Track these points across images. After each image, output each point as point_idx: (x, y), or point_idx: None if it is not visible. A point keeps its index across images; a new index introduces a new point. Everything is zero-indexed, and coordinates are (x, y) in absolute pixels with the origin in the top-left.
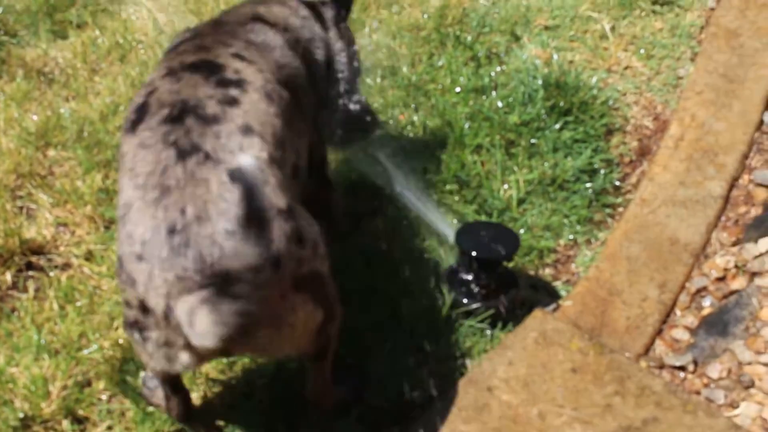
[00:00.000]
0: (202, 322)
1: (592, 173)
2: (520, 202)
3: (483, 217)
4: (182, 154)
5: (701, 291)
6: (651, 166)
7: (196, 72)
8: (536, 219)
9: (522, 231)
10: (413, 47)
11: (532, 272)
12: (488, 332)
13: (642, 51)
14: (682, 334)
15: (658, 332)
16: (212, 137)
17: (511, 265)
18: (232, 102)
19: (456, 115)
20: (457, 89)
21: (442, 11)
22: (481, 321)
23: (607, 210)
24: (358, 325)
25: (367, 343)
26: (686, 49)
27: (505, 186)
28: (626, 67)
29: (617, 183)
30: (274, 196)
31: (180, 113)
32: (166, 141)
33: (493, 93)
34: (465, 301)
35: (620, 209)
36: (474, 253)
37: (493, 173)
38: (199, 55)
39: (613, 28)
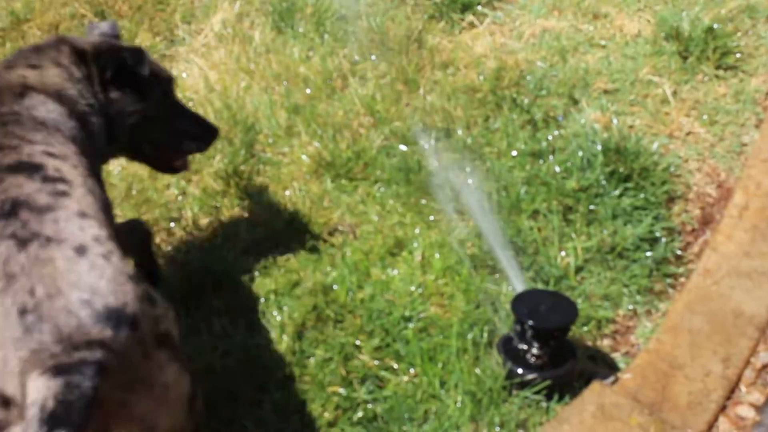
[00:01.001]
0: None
1: (653, 242)
2: (578, 270)
3: (540, 285)
4: (23, 243)
5: (767, 367)
6: (714, 236)
7: (17, 173)
8: (594, 288)
9: (580, 300)
10: (468, 109)
11: (589, 343)
12: (544, 404)
13: (705, 117)
14: (747, 412)
15: (722, 409)
16: (51, 223)
17: (568, 335)
18: (63, 194)
19: (512, 179)
20: (514, 153)
21: (498, 73)
22: (537, 392)
23: (669, 280)
24: (410, 394)
25: (419, 413)
26: (751, 115)
27: (563, 253)
28: (688, 133)
29: (679, 252)
30: (123, 264)
31: (12, 208)
32: (3, 235)
33: (551, 157)
34: (520, 371)
35: (682, 279)
36: (530, 322)
37: (550, 240)
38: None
39: (674, 93)
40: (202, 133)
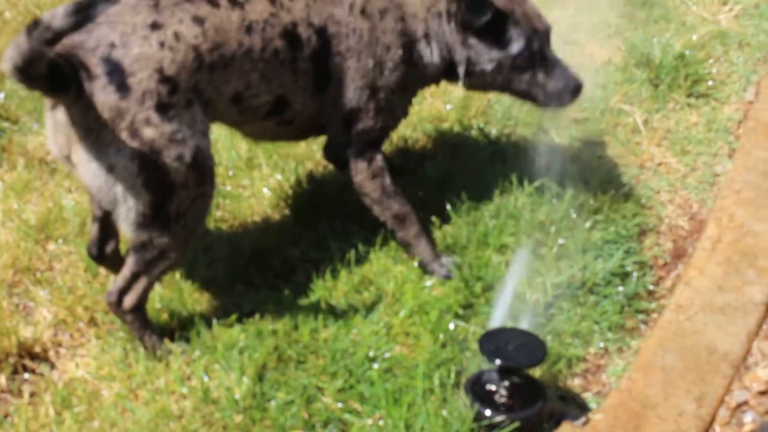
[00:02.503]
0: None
1: (624, 276)
2: (548, 306)
3: (508, 323)
4: None
5: (742, 405)
6: (687, 270)
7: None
8: (564, 325)
9: (549, 338)
10: (435, 139)
11: (560, 382)
12: None
13: (676, 146)
14: None
15: None
16: None
17: (537, 374)
18: None
19: (480, 211)
20: (479, 184)
21: (464, 102)
22: None
23: (641, 316)
24: None
25: None
26: (723, 144)
27: (531, 289)
28: (660, 164)
29: (651, 287)
30: None
31: None
32: None
33: (519, 189)
34: (488, 413)
35: (654, 315)
36: (498, 362)
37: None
38: None
39: (645, 122)
40: (563, 90)
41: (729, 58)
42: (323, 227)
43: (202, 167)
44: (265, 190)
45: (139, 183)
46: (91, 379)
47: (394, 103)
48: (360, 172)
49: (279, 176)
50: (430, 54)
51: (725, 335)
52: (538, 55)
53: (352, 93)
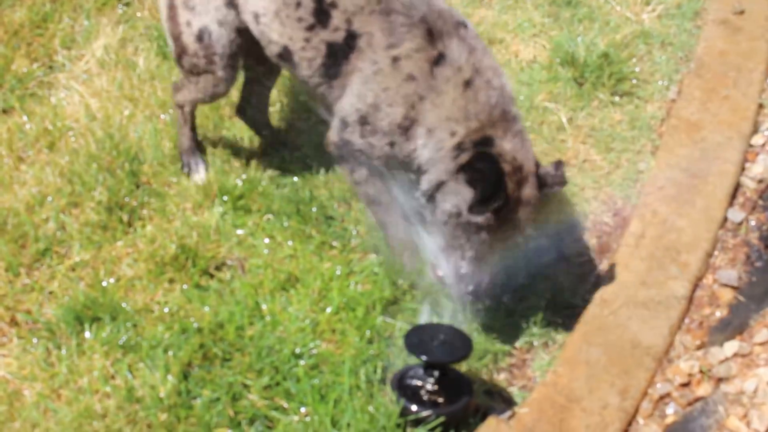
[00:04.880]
0: None
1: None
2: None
3: (434, 318)
4: None
5: (665, 398)
6: (611, 265)
7: None
8: (490, 321)
9: (476, 333)
10: None
11: (486, 377)
12: None
13: (601, 144)
14: None
15: None
16: None
17: (463, 369)
18: None
19: None
20: None
21: None
22: (432, 430)
23: (565, 311)
24: None
25: None
26: (647, 141)
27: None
28: (584, 161)
29: (576, 283)
30: None
31: None
32: None
33: None
34: (414, 408)
35: (579, 311)
36: (423, 357)
37: None
38: None
39: (570, 120)
40: (464, 277)
41: (652, 57)
42: (250, 225)
43: (207, 46)
44: (191, 186)
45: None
46: (12, 379)
47: (374, 144)
48: (345, 175)
49: (204, 173)
50: (419, 147)
51: (648, 329)
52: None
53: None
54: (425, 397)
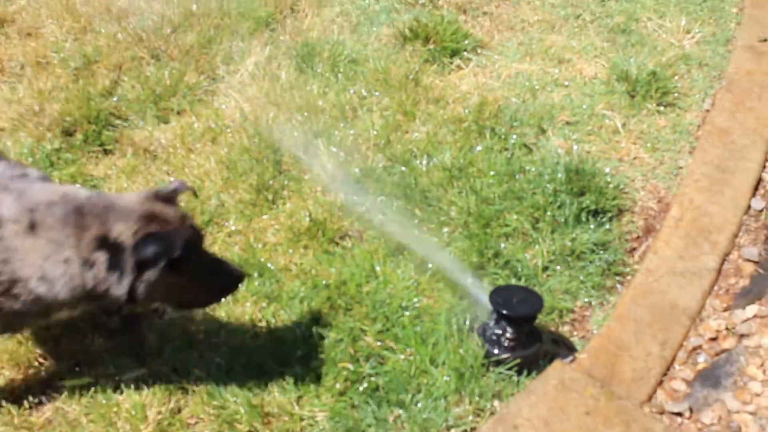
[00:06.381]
0: None
1: (605, 246)
2: (544, 269)
3: (513, 281)
4: None
5: (696, 349)
6: (655, 242)
7: None
8: (557, 284)
9: (545, 294)
10: (455, 137)
11: (553, 329)
12: (515, 379)
13: (648, 144)
14: (680, 385)
15: (660, 383)
16: None
17: (536, 322)
18: None
19: (491, 194)
20: (492, 173)
21: (480, 107)
22: (510, 369)
23: (617, 278)
24: (406, 369)
25: (413, 385)
26: (685, 143)
27: (530, 255)
28: (635, 158)
29: (626, 255)
30: None
31: None
32: None
33: (522, 176)
34: (496, 351)
35: (628, 278)
36: (504, 311)
37: (522, 244)
38: None
39: (623, 125)
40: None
41: (691, 75)
42: (367, 204)
43: None
44: (321, 174)
45: None
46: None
47: None
48: None
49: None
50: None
51: (684, 294)
52: None
53: None
54: (505, 344)
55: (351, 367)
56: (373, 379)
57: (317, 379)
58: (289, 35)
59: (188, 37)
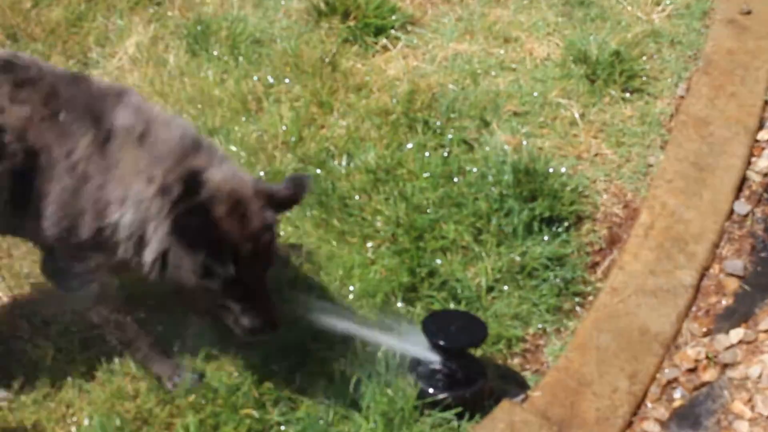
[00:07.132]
0: None
1: (561, 261)
2: (489, 289)
3: (452, 305)
4: None
5: (672, 382)
6: (621, 255)
7: None
8: (505, 307)
9: (491, 319)
10: (381, 132)
11: (500, 362)
12: (455, 423)
13: (612, 138)
14: (653, 427)
15: (629, 425)
16: None
17: (478, 354)
18: None
19: (424, 200)
20: (426, 174)
21: (410, 96)
22: (448, 411)
23: (577, 299)
24: (324, 417)
25: None
26: (656, 136)
27: (472, 273)
28: (596, 155)
29: (587, 272)
30: None
31: None
32: None
33: (462, 178)
34: (431, 391)
35: (590, 298)
36: (440, 342)
37: (462, 260)
38: None
39: (582, 115)
40: None
41: (662, 55)
42: None
43: None
44: None
45: None
46: None
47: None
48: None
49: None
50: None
51: (657, 316)
52: None
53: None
54: (441, 381)
55: (256, 414)
56: (282, 428)
57: (214, 429)
58: (179, 11)
59: (53, 12)
